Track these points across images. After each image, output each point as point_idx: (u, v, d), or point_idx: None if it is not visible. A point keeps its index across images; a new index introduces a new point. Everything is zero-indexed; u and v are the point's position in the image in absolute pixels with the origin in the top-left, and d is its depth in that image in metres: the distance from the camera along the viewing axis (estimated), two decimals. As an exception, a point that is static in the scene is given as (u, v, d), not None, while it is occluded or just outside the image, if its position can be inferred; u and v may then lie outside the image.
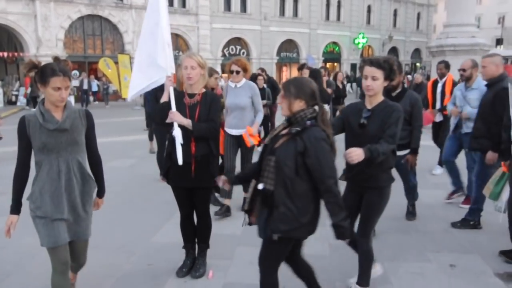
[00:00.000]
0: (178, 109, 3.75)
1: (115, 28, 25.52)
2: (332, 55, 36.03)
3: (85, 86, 22.18)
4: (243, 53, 31.84)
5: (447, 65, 7.07)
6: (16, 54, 23.96)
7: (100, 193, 3.23)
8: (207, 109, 3.77)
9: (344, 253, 4.30)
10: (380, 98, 3.29)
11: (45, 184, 2.79)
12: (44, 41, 22.94)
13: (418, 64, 38.91)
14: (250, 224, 2.93)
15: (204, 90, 3.89)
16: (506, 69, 5.59)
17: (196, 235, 4.05)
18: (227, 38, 30.53)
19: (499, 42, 47.59)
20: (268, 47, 32.13)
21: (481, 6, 47.03)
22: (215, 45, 29.50)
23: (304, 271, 3.08)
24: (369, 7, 38.66)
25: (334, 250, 4.39)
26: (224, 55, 30.65)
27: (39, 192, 2.78)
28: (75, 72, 23.44)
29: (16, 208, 2.78)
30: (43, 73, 2.67)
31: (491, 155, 4.48)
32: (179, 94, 3.85)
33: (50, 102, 2.75)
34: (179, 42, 28.34)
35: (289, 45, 34.09)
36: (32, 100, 21.19)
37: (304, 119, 2.74)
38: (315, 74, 8.03)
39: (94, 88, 23.50)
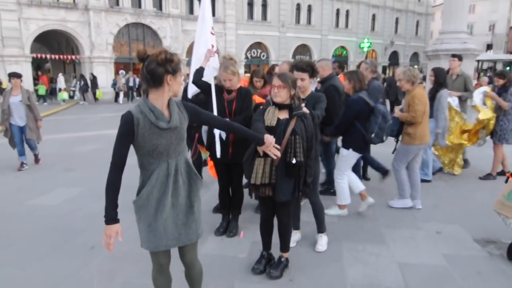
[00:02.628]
0: (218, 102, 3.98)
1: (155, 34, 25.67)
2: (341, 58, 35.70)
3: (131, 83, 22.58)
4: (263, 55, 31.83)
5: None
6: (73, 56, 24.31)
7: (259, 141, 2.62)
8: (242, 102, 3.93)
9: (348, 222, 4.56)
10: (309, 90, 3.82)
11: (153, 189, 2.26)
12: (97, 45, 23.27)
13: (416, 66, 38.24)
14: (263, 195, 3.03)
15: (238, 86, 4.02)
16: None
17: (231, 203, 4.23)
18: (249, 43, 30.48)
19: (489, 47, 46.42)
20: (285, 51, 31.98)
21: (474, 15, 45.78)
22: (240, 49, 29.49)
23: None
24: (373, 16, 38.06)
25: (340, 219, 4.58)
26: (246, 57, 30.67)
27: (146, 198, 2.26)
28: (122, 71, 23.73)
29: (115, 217, 2.18)
30: (176, 64, 2.17)
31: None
32: (219, 89, 3.98)
33: (164, 96, 2.21)
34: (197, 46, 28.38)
35: (303, 49, 33.85)
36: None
37: (299, 105, 3.04)
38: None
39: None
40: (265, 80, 5.12)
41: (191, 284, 2.61)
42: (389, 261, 3.58)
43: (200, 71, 4.03)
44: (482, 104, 5.99)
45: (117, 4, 23.90)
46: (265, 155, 2.83)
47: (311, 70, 3.82)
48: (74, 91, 23.58)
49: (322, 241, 3.80)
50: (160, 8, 25.48)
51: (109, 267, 3.47)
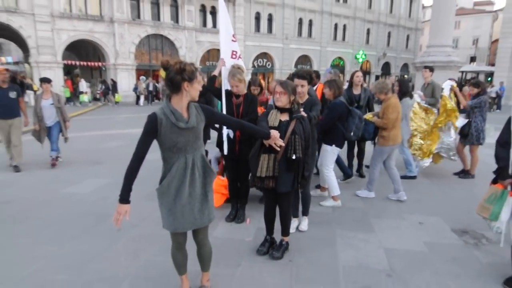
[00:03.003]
0: (227, 105, 4.09)
1: (172, 44, 25.67)
2: (338, 67, 35.59)
3: (151, 88, 22.71)
4: (269, 65, 31.76)
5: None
6: (99, 63, 24.43)
7: (266, 136, 2.77)
8: (248, 106, 4.02)
9: (341, 212, 4.64)
10: (307, 96, 4.00)
11: (173, 179, 2.38)
12: (120, 53, 23.32)
13: (405, 76, 38.01)
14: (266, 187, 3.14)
15: (245, 92, 4.13)
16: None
17: (239, 194, 4.31)
18: (256, 53, 30.33)
19: (473, 59, 46.12)
20: (288, 61, 31.86)
21: (459, 30, 45.53)
22: (247, 58, 29.43)
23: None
24: (368, 30, 37.75)
25: (334, 210, 4.65)
26: (254, 66, 30.53)
27: (167, 186, 2.38)
28: (143, 77, 23.80)
29: (128, 199, 2.33)
30: (192, 72, 2.28)
31: None
32: (229, 94, 4.06)
33: (183, 101, 2.32)
34: (220, 55, 28.38)
35: (304, 59, 33.63)
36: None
37: (298, 109, 3.15)
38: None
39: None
40: (262, 88, 5.23)
41: (201, 261, 2.73)
42: (376, 247, 3.65)
43: (212, 79, 4.16)
44: (449, 95, 6.04)
45: (139, 17, 23.94)
46: (269, 151, 2.97)
47: (310, 78, 4.08)
48: (98, 94, 23.86)
49: (305, 222, 4.03)
50: (177, 21, 25.47)
51: (133, 247, 3.57)
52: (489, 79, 31.52)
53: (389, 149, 4.92)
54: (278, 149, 2.83)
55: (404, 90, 5.66)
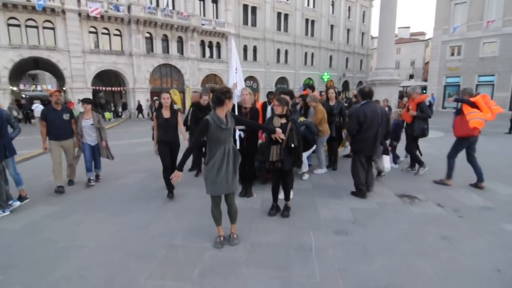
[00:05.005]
0: (239, 113, 4.59)
1: (179, 71, 25.97)
2: (308, 85, 36.09)
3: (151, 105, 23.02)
4: (254, 85, 32.28)
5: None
6: (121, 87, 24.66)
7: (273, 131, 3.39)
8: (253, 114, 4.53)
9: (319, 187, 5.11)
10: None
11: (217, 161, 2.88)
12: (138, 79, 23.57)
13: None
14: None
15: (251, 105, 4.64)
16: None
17: (246, 176, 4.71)
18: (245, 76, 30.55)
19: (411, 77, 47.67)
20: (269, 81, 32.44)
21: (400, 55, 47.11)
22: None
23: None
24: (330, 56, 38.73)
25: (314, 186, 5.19)
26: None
27: (212, 166, 2.88)
28: (156, 98, 24.12)
29: (182, 169, 2.81)
30: (230, 94, 2.89)
31: None
32: (239, 107, 4.60)
33: (224, 111, 2.86)
34: (216, 79, 28.79)
35: (282, 80, 34.30)
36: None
37: (291, 114, 3.73)
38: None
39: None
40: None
41: (230, 217, 3.24)
42: (344, 207, 4.22)
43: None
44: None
45: (152, 51, 24.33)
46: (276, 143, 3.56)
47: (291, 94, 4.81)
48: (121, 112, 24.04)
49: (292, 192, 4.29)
50: (182, 53, 25.91)
51: (179, 214, 4.05)
52: (424, 91, 32.91)
53: (324, 139, 5.84)
54: (280, 141, 3.44)
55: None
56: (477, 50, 25.39)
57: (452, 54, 26.94)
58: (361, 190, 4.58)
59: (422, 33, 57.11)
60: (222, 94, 2.82)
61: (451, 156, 5.10)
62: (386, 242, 3.21)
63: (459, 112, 4.91)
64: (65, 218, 4.03)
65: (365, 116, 4.30)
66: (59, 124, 5.12)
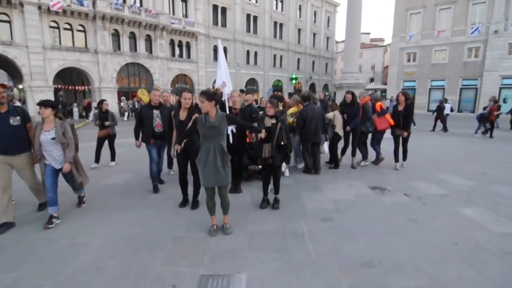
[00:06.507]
0: (230, 113, 4.87)
1: (148, 71, 25.39)
2: (277, 87, 37.35)
3: (137, 106, 22.25)
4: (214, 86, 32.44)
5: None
6: (85, 86, 23.49)
7: (260, 131, 3.60)
8: (243, 115, 4.81)
9: (301, 182, 5.57)
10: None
11: (203, 154, 3.24)
12: (104, 78, 22.64)
13: (327, 93, 40.91)
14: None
15: (240, 106, 4.97)
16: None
17: (235, 172, 4.78)
18: (215, 77, 30.63)
19: (372, 80, 50.82)
20: (240, 82, 32.57)
21: (362, 59, 49.89)
22: (208, 81, 29.71)
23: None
24: (298, 59, 39.98)
25: (297, 181, 5.71)
26: (213, 87, 30.94)
27: (199, 158, 3.26)
28: (123, 97, 23.32)
29: (181, 142, 3.60)
30: (218, 96, 3.33)
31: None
32: (230, 108, 4.89)
33: (209, 111, 3.15)
34: (186, 80, 28.58)
35: (252, 81, 34.83)
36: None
37: (281, 115, 4.11)
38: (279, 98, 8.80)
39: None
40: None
41: (223, 208, 3.54)
42: (326, 198, 4.72)
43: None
44: None
45: (119, 48, 23.53)
46: (267, 141, 3.93)
47: (280, 99, 5.17)
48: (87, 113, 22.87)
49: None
50: (151, 51, 25.34)
51: (175, 210, 4.27)
52: (383, 94, 35.33)
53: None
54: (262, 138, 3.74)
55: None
56: (429, 57, 27.89)
57: (409, 60, 29.30)
58: (308, 168, 6.09)
59: (381, 39, 60.95)
60: (200, 95, 3.18)
61: (375, 144, 6.87)
62: (366, 226, 3.75)
63: (379, 114, 6.66)
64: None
65: (307, 114, 5.77)
66: (2, 133, 3.59)
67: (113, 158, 7.34)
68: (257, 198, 4.68)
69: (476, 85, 25.70)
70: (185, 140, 3.82)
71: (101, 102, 7.12)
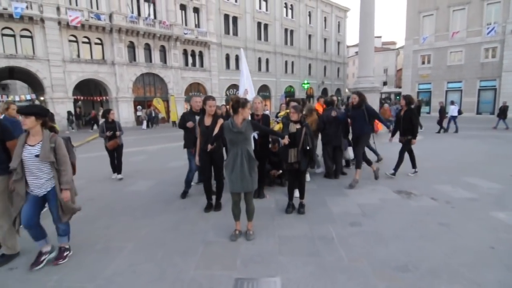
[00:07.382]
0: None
1: (162, 80, 25.90)
2: (289, 93, 37.46)
3: (153, 115, 22.82)
4: (238, 93, 32.68)
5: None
6: (103, 97, 24.20)
7: (283, 137, 3.81)
8: (265, 121, 4.85)
9: (325, 187, 5.55)
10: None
11: (230, 160, 3.29)
12: (120, 88, 23.28)
13: (339, 98, 40.66)
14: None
15: (263, 112, 5.07)
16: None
17: (259, 177, 4.86)
18: (228, 85, 31.21)
19: (385, 83, 50.16)
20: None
21: (374, 63, 49.17)
22: (221, 89, 30.31)
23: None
24: (309, 65, 40.10)
25: (319, 186, 5.66)
26: (226, 94, 31.46)
27: (227, 163, 3.33)
28: (139, 106, 23.96)
29: (213, 142, 3.86)
30: (242, 103, 3.27)
31: None
32: (252, 115, 4.94)
33: (239, 117, 3.26)
34: (200, 88, 29.01)
35: (264, 88, 35.07)
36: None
37: (304, 120, 4.13)
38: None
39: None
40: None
41: (248, 214, 3.55)
42: (351, 203, 4.69)
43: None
44: None
45: (135, 60, 24.19)
46: (293, 146, 3.97)
47: (300, 103, 5.20)
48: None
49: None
50: (165, 61, 25.92)
51: (202, 215, 4.34)
52: (397, 97, 34.84)
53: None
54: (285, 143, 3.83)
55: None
56: (445, 59, 27.41)
57: (423, 63, 28.86)
58: (328, 173, 6.13)
59: (393, 43, 60.39)
60: (235, 103, 3.28)
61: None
62: (396, 230, 3.70)
63: None
64: (92, 223, 4.20)
65: (327, 118, 5.93)
66: None
67: (119, 170, 6.79)
68: (281, 203, 4.70)
69: (494, 86, 25.04)
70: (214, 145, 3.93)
71: (108, 111, 6.61)
